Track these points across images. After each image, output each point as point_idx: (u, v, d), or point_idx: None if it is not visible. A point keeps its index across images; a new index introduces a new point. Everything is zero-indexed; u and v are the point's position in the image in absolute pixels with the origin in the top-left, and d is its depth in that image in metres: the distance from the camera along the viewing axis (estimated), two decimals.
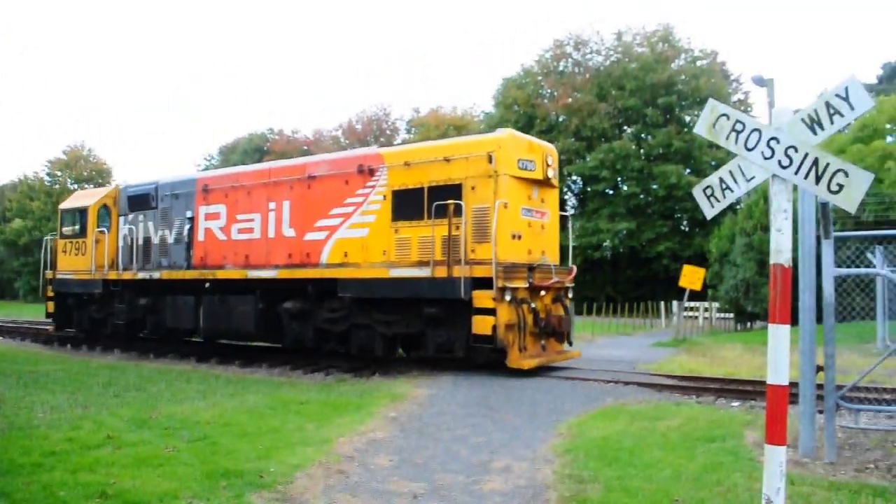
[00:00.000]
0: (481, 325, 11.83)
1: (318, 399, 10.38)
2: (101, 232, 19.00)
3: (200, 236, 16.96)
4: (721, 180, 4.33)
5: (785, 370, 3.85)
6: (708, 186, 4.38)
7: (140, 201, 18.53)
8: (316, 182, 14.75)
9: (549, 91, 44.77)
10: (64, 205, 20.95)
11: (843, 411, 7.55)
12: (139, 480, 6.05)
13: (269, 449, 7.25)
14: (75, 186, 63.31)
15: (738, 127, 4.14)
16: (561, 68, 45.66)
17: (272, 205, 15.51)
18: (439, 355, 13.05)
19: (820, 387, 7.07)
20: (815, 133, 3.91)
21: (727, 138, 4.17)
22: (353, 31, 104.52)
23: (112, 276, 18.63)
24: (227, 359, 16.16)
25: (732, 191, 4.32)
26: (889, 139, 30.75)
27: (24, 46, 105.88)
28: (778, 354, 3.86)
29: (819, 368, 7.06)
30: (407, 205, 13.28)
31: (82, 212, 19.58)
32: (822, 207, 7.03)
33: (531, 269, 12.55)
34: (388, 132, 53.95)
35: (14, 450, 7.04)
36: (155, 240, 18.08)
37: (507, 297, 11.84)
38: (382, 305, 13.41)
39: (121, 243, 18.79)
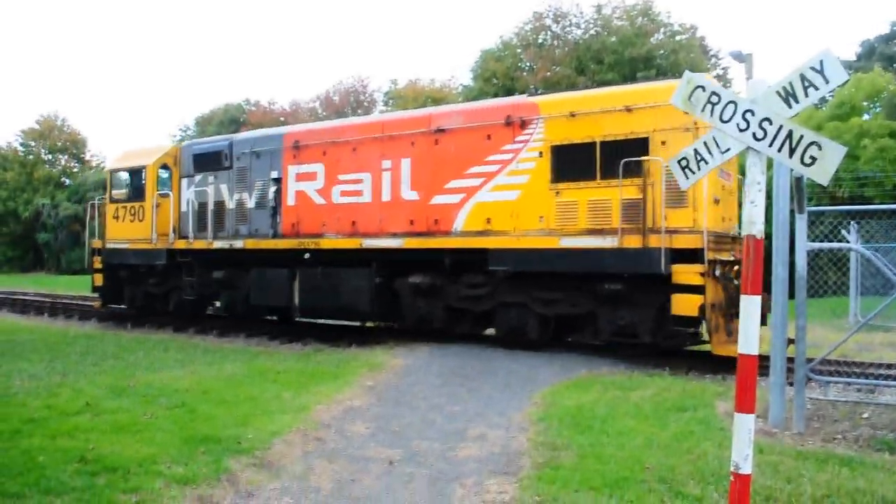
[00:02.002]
0: (685, 304, 10.11)
1: (295, 368, 10.43)
2: (163, 195, 16.77)
3: (290, 200, 14.77)
4: (696, 152, 4.36)
5: (755, 340, 3.92)
6: (683, 158, 4.41)
7: (209, 160, 16.28)
8: (446, 136, 12.76)
9: (528, 64, 44.56)
10: (114, 164, 18.53)
11: (813, 383, 7.71)
12: (118, 446, 6.09)
13: (246, 416, 7.30)
14: (49, 157, 62.51)
15: (714, 99, 4.15)
16: (540, 41, 45.41)
17: (387, 163, 13.42)
18: (616, 340, 11.29)
19: (791, 359, 7.21)
20: (789, 106, 3.93)
21: (703, 110, 4.19)
22: (331, 1, 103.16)
23: (180, 245, 16.33)
24: (205, 328, 16.12)
25: (707, 162, 4.34)
26: (866, 116, 31.02)
27: None
28: (749, 325, 3.93)
29: (790, 341, 7.21)
30: (572, 163, 11.40)
31: (138, 172, 17.22)
32: (796, 182, 7.13)
33: (734, 239, 11.16)
34: (365, 104, 53.50)
35: None
36: (230, 204, 15.79)
37: (717, 272, 10.26)
38: (543, 281, 11.63)
39: (184, 208, 16.65)
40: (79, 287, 32.29)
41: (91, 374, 9.89)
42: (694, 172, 4.42)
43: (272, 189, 15.04)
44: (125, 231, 17.44)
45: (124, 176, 17.77)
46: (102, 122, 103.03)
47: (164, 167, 16.97)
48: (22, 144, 62.33)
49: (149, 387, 8.77)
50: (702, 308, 10.07)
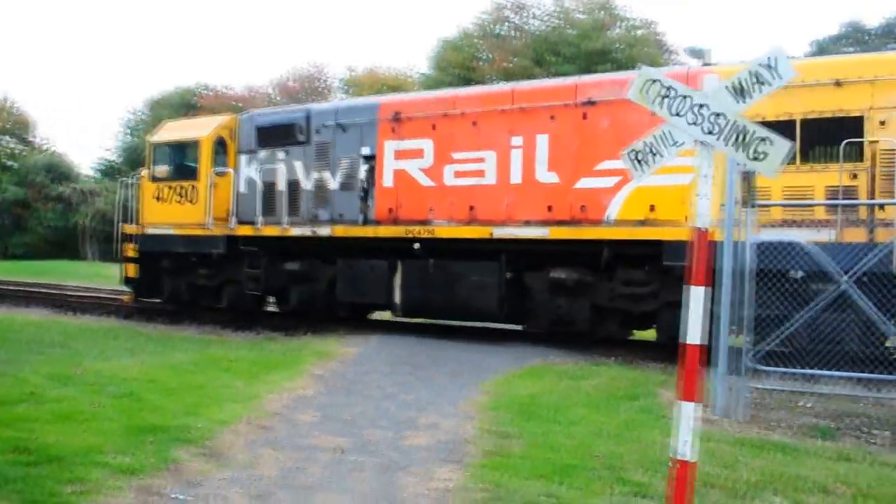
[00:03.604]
0: None
1: (246, 357, 10.34)
2: (221, 174, 14.60)
3: (387, 181, 12.87)
4: (648, 145, 4.41)
5: (699, 330, 4.00)
6: (636, 151, 4.47)
7: (279, 134, 14.19)
8: (598, 110, 11.03)
9: (486, 54, 44.62)
10: (158, 137, 16.05)
11: (755, 372, 7.89)
12: (62, 436, 5.94)
13: (195, 405, 7.20)
14: None
15: (667, 93, 4.22)
16: (499, 32, 45.51)
17: (517, 139, 11.68)
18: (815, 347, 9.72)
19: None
20: (740, 101, 4.02)
21: (656, 103, 4.25)
22: None
23: (244, 231, 14.21)
24: (154, 316, 15.81)
25: (661, 155, 4.40)
26: None
27: None
28: (694, 315, 4.01)
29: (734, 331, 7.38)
30: None
31: (188, 147, 15.06)
32: (745, 176, 7.29)
33: None
34: (322, 91, 52.98)
35: None
36: (306, 185, 13.77)
37: None
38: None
39: (243, 189, 14.57)
40: (22, 273, 31.45)
41: (36, 362, 9.62)
42: (648, 165, 4.47)
43: (363, 168, 13.13)
44: (171, 214, 15.07)
45: (171, 150, 15.58)
46: (49, 104, 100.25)
47: (220, 141, 14.88)
48: None
49: (96, 376, 8.59)
50: None
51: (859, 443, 6.48)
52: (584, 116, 11.19)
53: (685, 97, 4.17)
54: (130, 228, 15.91)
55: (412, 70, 52.41)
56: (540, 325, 12.06)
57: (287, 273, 13.99)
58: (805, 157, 9.77)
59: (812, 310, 7.85)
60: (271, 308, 16.03)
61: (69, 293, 20.65)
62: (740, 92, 4.03)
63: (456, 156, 12.23)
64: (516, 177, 11.69)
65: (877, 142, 9.24)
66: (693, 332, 3.99)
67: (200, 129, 15.26)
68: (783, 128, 9.02)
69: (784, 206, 9.46)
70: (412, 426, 6.78)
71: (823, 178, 9.54)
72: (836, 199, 9.29)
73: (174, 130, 16.15)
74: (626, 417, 6.95)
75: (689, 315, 4.04)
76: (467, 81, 42.68)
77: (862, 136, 9.33)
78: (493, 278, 11.67)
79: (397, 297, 12.63)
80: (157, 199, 15.37)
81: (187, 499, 4.85)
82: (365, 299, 13.42)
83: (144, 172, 15.98)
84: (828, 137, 9.55)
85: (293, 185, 13.93)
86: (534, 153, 11.55)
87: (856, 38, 43.61)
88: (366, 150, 13.10)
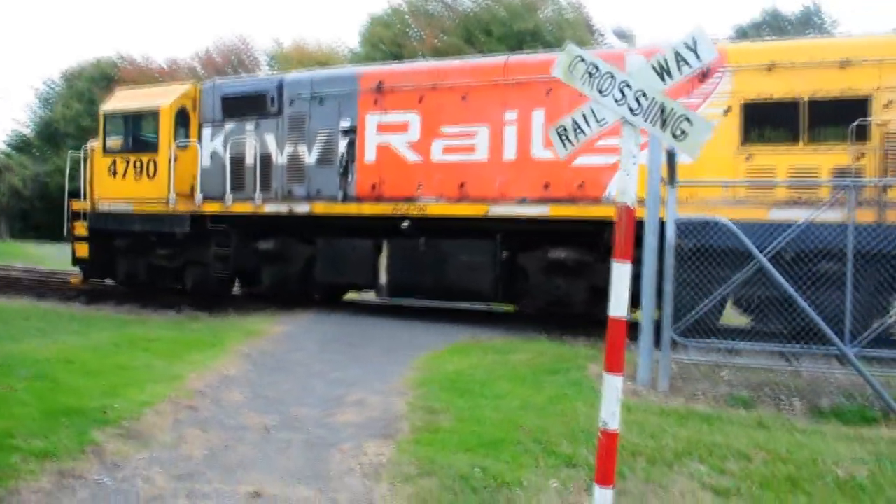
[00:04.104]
0: None
1: (169, 336, 10.07)
2: (184, 146, 13.72)
3: (370, 156, 12.28)
4: (574, 122, 4.44)
5: (625, 304, 4.06)
6: (562, 127, 4.49)
7: (248, 104, 13.45)
8: None
9: (416, 31, 44.36)
10: (111, 106, 14.78)
11: (679, 346, 8.13)
12: None
13: (115, 386, 6.96)
14: None
15: (593, 70, 4.24)
16: (430, 9, 45.27)
17: (511, 114, 11.28)
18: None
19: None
20: (663, 80, 4.06)
21: (582, 81, 4.28)
22: None
23: (211, 208, 13.44)
24: (71, 296, 15.25)
25: (585, 133, 4.43)
26: None
27: None
28: (619, 289, 4.08)
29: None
30: (769, 123, 10.02)
31: (146, 117, 14.01)
32: (668, 155, 7.45)
33: None
34: (247, 64, 51.75)
35: None
36: (279, 159, 13.07)
37: None
38: (727, 258, 9.13)
39: (206, 163, 13.73)
40: None
41: None
42: (572, 143, 4.50)
43: (342, 141, 12.45)
44: (127, 190, 14.02)
45: (128, 120, 14.41)
46: None
47: (181, 111, 13.91)
48: None
49: (6, 358, 8.18)
50: None
51: (776, 411, 6.76)
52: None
53: (610, 76, 4.19)
54: (79, 204, 14.88)
55: (341, 45, 51.74)
56: (535, 305, 11.85)
57: (259, 253, 13.35)
58: (810, 137, 9.86)
59: (729, 287, 8.11)
60: (237, 291, 15.34)
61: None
62: (663, 71, 4.08)
63: (445, 130, 11.78)
64: (510, 153, 11.34)
65: (886, 122, 9.35)
66: (618, 306, 4.06)
67: (160, 98, 14.17)
68: (789, 107, 9.86)
69: (712, 184, 9.67)
70: (341, 403, 6.75)
71: (829, 157, 9.62)
72: (844, 179, 9.17)
73: (130, 99, 15.00)
74: (551, 391, 7.05)
75: (614, 289, 4.10)
76: (397, 58, 42.32)
77: (868, 117, 9.40)
78: (488, 258, 11.41)
79: (383, 278, 12.22)
80: (112, 173, 14.31)
81: (108, 482, 4.71)
82: (347, 280, 13.01)
83: (93, 144, 14.93)
84: (834, 117, 9.62)
85: (265, 160, 13.24)
86: (529, 128, 11.19)
87: (775, 26, 45.09)
88: (345, 123, 12.51)
